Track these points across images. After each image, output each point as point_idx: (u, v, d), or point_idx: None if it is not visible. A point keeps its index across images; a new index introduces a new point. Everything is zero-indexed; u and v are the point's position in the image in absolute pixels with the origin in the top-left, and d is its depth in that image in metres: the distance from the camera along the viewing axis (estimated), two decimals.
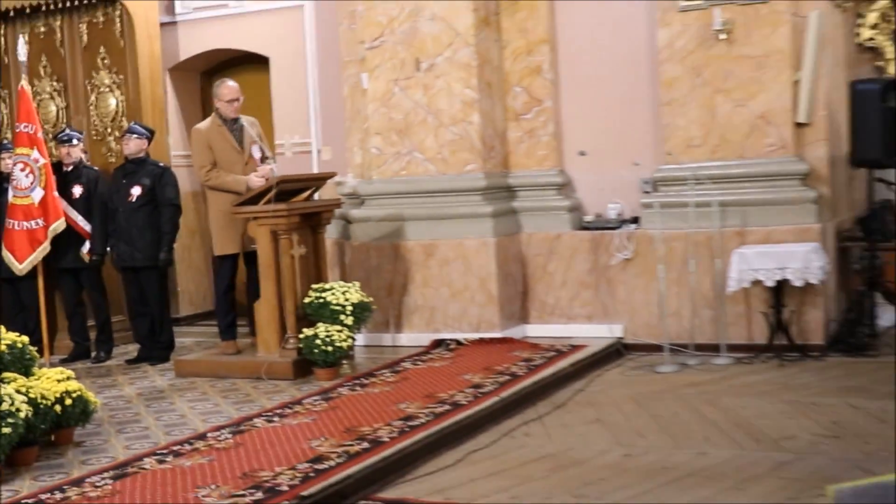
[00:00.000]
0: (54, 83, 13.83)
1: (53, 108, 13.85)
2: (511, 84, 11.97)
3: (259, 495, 6.51)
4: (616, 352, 11.06)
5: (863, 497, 3.82)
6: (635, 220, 11.52)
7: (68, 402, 7.95)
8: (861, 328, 10.68)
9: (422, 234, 11.64)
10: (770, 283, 10.46)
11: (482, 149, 11.59)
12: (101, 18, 13.35)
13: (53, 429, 7.98)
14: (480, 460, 7.70)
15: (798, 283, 10.39)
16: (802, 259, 10.34)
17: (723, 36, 10.89)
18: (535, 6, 11.82)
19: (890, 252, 11.46)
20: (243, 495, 6.51)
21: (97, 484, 6.90)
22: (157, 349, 11.68)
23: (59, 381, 8.03)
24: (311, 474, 6.93)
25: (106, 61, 13.39)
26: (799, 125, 10.91)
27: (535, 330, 11.65)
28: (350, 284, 10.47)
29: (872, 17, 13.14)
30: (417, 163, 11.75)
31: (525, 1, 11.84)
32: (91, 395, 8.30)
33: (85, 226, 11.79)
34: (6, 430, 7.01)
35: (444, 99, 11.62)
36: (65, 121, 13.68)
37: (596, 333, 11.36)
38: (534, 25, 11.85)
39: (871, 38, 13.17)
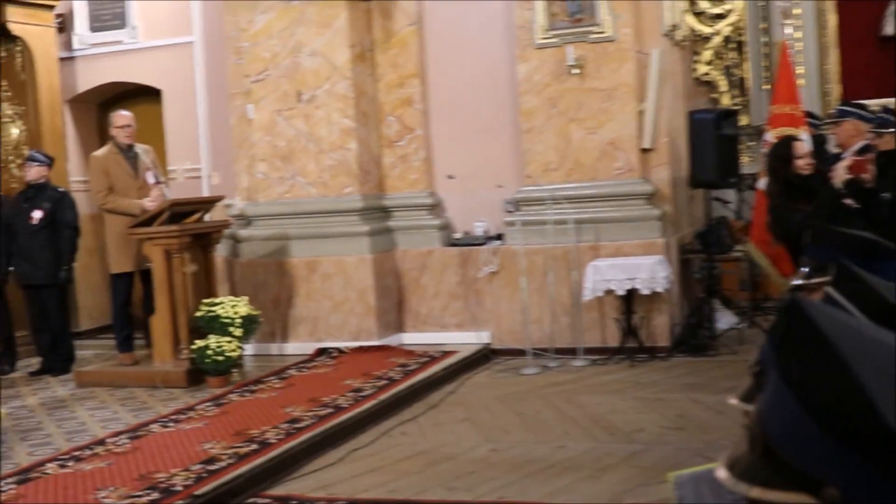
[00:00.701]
0: None
1: None
2: (385, 114, 12.02)
3: (155, 496, 6.49)
4: (484, 356, 11.15)
5: (699, 481, 3.92)
6: (499, 237, 11.64)
7: None
8: (701, 331, 10.91)
9: (305, 251, 11.63)
10: (621, 292, 10.65)
11: (359, 173, 11.62)
12: (3, 54, 13.11)
13: None
14: (361, 458, 7.74)
15: (646, 291, 10.60)
16: (649, 270, 10.55)
17: (575, 71, 11.07)
18: (406, 43, 11.90)
19: (726, 262, 11.75)
20: (140, 496, 6.49)
21: (2, 489, 6.81)
22: (58, 361, 11.49)
23: None
24: (204, 475, 6.92)
25: (8, 94, 13.15)
26: (644, 150, 11.13)
27: (410, 338, 11.70)
28: (239, 299, 10.43)
29: (707, 55, 13.48)
30: (300, 186, 11.74)
31: (397, 38, 11.90)
32: None
33: None
34: None
35: (324, 128, 11.64)
36: None
37: (465, 340, 11.44)
38: (405, 61, 11.92)
39: (707, 73, 13.51)
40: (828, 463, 1.14)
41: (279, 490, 7.05)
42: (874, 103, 9.30)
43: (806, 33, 13.42)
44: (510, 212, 11.52)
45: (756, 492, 1.21)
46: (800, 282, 3.88)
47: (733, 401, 2.35)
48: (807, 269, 3.95)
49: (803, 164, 6.48)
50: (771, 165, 6.93)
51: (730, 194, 12.23)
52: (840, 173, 6.26)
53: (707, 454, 6.97)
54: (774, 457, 1.20)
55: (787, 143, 6.87)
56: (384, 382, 9.64)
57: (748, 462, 1.24)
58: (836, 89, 13.44)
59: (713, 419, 8.19)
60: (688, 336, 10.92)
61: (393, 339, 11.60)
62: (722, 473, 1.27)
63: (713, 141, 10.82)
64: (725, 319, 11.35)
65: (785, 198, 6.57)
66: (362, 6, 11.80)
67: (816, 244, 3.97)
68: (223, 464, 7.17)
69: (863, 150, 8.29)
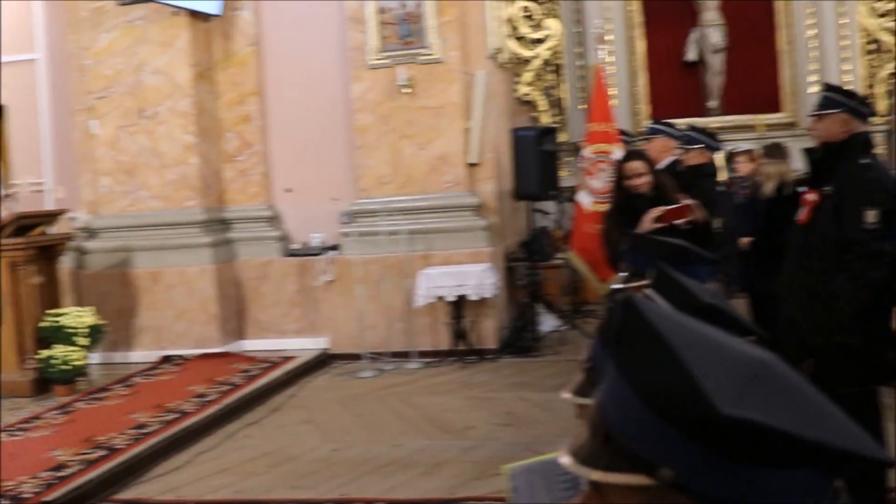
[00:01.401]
0: None
1: None
2: (225, 130, 11.89)
3: (5, 503, 6.28)
4: (322, 361, 11.11)
5: (532, 473, 4.00)
6: (335, 248, 11.62)
7: None
8: (526, 333, 11.08)
9: (148, 262, 11.43)
10: (451, 298, 10.74)
11: (201, 187, 11.47)
12: None
13: None
14: (207, 461, 7.64)
15: (474, 297, 10.71)
16: (477, 277, 10.67)
17: (406, 90, 11.14)
18: (245, 63, 11.80)
19: (548, 269, 11.96)
20: None
21: None
22: None
23: None
24: (54, 481, 6.74)
25: None
26: (471, 165, 11.25)
27: (251, 344, 11.59)
28: (84, 309, 10.17)
29: (528, 76, 13.72)
30: (143, 199, 11.53)
31: (237, 58, 11.80)
32: None
33: None
34: None
35: (166, 143, 11.46)
36: None
37: (304, 346, 11.38)
38: (244, 79, 11.82)
39: (528, 94, 13.75)
40: (662, 445, 1.18)
41: (128, 494, 6.91)
42: (681, 122, 9.57)
43: (618, 58, 13.76)
44: (345, 223, 11.52)
45: (597, 475, 1.25)
46: (619, 286, 3.99)
47: (566, 395, 2.42)
48: (625, 274, 4.06)
49: (635, 184, 6.50)
50: (612, 182, 7.00)
51: (550, 206, 12.44)
52: (646, 225, 6.29)
53: (535, 448, 7.06)
54: (614, 442, 1.23)
55: (622, 160, 6.91)
56: (227, 387, 9.53)
57: (590, 448, 1.27)
58: (645, 109, 13.82)
59: (539, 415, 8.32)
60: (514, 338, 11.07)
61: (235, 346, 11.48)
62: (566, 460, 1.30)
63: (534, 156, 11.01)
64: (548, 322, 11.54)
65: (613, 220, 6.59)
66: (203, 27, 11.66)
67: (632, 251, 4.09)
68: (72, 470, 6.99)
69: (672, 165, 8.55)
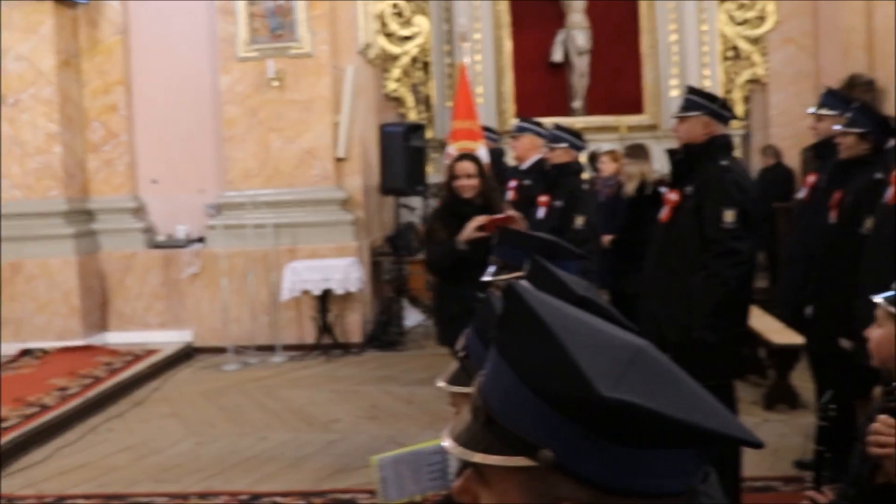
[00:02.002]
0: None
1: None
2: (90, 119, 11.65)
3: None
4: (187, 354, 10.98)
5: (399, 463, 4.04)
6: (201, 240, 11.50)
7: None
8: (392, 328, 11.12)
9: (9, 253, 11.12)
10: (317, 292, 10.73)
11: (64, 176, 11.22)
12: None
13: None
14: (69, 455, 7.50)
15: (340, 291, 10.72)
16: (343, 271, 10.67)
17: (275, 83, 11.08)
18: (112, 51, 11.58)
19: (413, 264, 12.01)
20: None
21: None
22: None
23: None
24: None
25: None
26: (339, 160, 11.25)
27: (114, 337, 11.37)
28: None
29: (396, 73, 13.75)
30: (4, 189, 11.22)
31: (103, 46, 11.57)
32: None
33: None
34: None
35: (28, 131, 11.17)
36: None
37: (169, 339, 11.22)
38: (111, 68, 11.60)
39: (396, 90, 13.77)
40: (543, 427, 1.21)
41: None
42: (547, 121, 9.70)
43: (485, 57, 13.89)
44: (211, 216, 11.41)
45: (478, 457, 1.27)
46: (489, 279, 4.04)
47: (441, 383, 2.46)
48: (494, 268, 4.11)
49: (462, 186, 6.47)
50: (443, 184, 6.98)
51: (416, 201, 12.51)
52: (468, 232, 6.29)
53: (400, 441, 7.11)
54: (495, 425, 1.25)
55: (454, 160, 6.90)
56: (90, 381, 9.35)
57: (471, 431, 1.30)
58: (511, 108, 13.97)
59: (404, 408, 8.37)
60: (379, 332, 11.11)
61: (97, 339, 11.26)
62: (447, 443, 1.33)
63: (402, 152, 11.06)
64: (413, 317, 11.60)
65: (437, 217, 6.57)
66: (69, 14, 11.40)
67: (502, 244, 4.14)
68: None
69: (538, 163, 8.68)
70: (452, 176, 6.49)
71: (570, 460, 1.21)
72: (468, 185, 6.44)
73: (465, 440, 1.29)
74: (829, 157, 6.32)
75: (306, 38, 11.09)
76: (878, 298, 3.47)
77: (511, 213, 6.44)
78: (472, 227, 6.25)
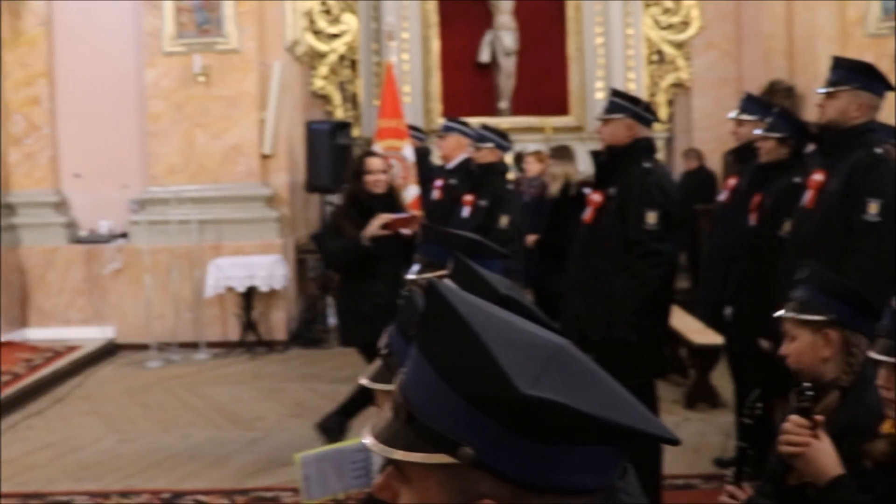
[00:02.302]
0: None
1: None
2: (12, 111, 11.45)
3: None
4: (109, 351, 10.85)
5: (323, 460, 4.04)
6: (124, 235, 11.37)
7: None
8: (316, 325, 11.09)
9: None
10: (241, 289, 10.68)
11: None
12: None
13: None
14: None
15: (265, 288, 10.67)
16: (268, 269, 10.63)
17: (201, 78, 11.00)
18: (34, 43, 11.40)
19: None
20: None
21: None
22: None
23: None
24: None
25: None
26: (265, 156, 11.20)
27: (35, 333, 11.19)
28: None
29: (323, 70, 13.70)
30: None
31: (25, 38, 11.39)
32: None
33: None
34: None
35: None
36: None
37: (91, 335, 11.08)
38: (34, 60, 11.42)
39: (323, 87, 13.72)
40: (464, 424, 1.22)
41: None
42: (473, 121, 9.73)
43: (412, 56, 13.87)
44: (135, 211, 11.29)
45: (399, 454, 1.28)
46: (413, 277, 4.05)
47: (364, 381, 2.46)
48: (418, 266, 4.12)
49: (373, 181, 6.55)
50: (345, 178, 7.01)
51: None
52: (372, 229, 6.40)
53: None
54: (416, 422, 1.27)
55: (361, 156, 6.97)
56: (8, 377, 9.19)
57: (392, 429, 1.31)
58: (438, 107, 13.98)
59: (328, 406, 8.26)
60: (303, 330, 11.07)
61: (17, 335, 11.07)
62: (368, 441, 1.33)
63: (328, 150, 11.02)
64: None
65: (342, 213, 6.63)
66: None
67: (426, 242, 4.16)
68: None
69: (464, 163, 8.70)
70: (362, 171, 6.57)
71: (490, 457, 1.23)
72: (379, 180, 6.55)
73: (386, 437, 1.30)
74: (750, 161, 6.42)
75: (233, 34, 11.02)
76: (781, 314, 3.55)
77: (414, 213, 6.54)
78: (375, 225, 6.36)
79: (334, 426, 6.70)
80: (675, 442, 1.27)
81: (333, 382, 9.10)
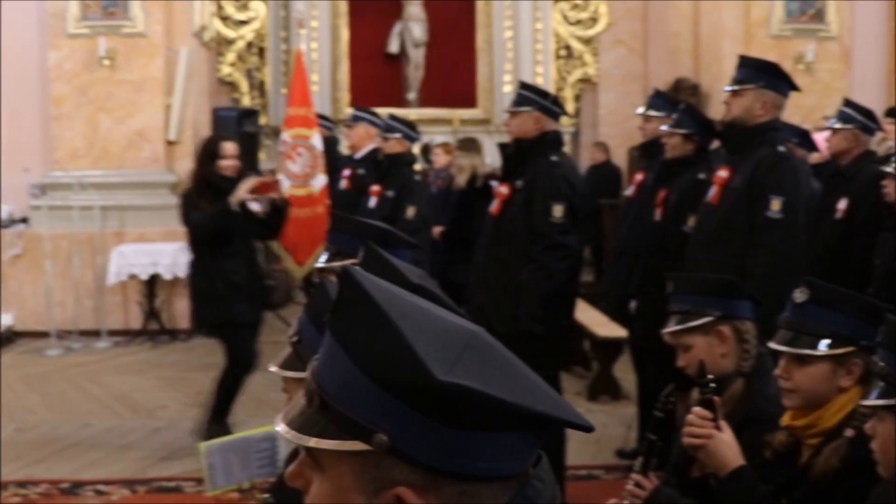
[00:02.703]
0: None
1: None
2: None
3: None
4: (7, 338, 10.60)
5: (227, 449, 4.00)
6: (25, 221, 11.14)
7: None
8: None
9: None
10: (144, 277, 10.53)
11: None
12: None
13: None
14: None
15: (168, 276, 10.54)
16: (172, 256, 10.49)
17: (106, 62, 10.81)
18: None
19: None
20: None
21: None
22: None
23: None
24: None
25: None
26: (170, 143, 11.05)
27: None
28: None
29: (231, 57, 13.57)
30: None
31: None
32: None
33: None
34: None
35: None
36: None
37: None
38: None
39: (230, 74, 13.60)
40: (378, 411, 1.22)
41: None
42: (382, 111, 9.71)
43: (321, 44, 13.81)
44: (36, 196, 11.07)
45: (313, 442, 1.27)
46: (322, 265, 4.04)
47: (273, 368, 2.44)
48: (327, 254, 4.11)
49: (226, 166, 6.62)
50: (196, 158, 7.03)
51: None
52: (240, 193, 6.46)
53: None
54: (330, 409, 1.26)
55: (215, 140, 7.01)
56: None
57: (305, 416, 1.30)
58: (346, 97, 13.94)
59: None
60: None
61: None
62: (281, 428, 1.32)
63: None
64: None
65: (195, 194, 6.67)
66: None
67: (335, 230, 4.14)
68: None
69: (372, 152, 8.68)
70: (216, 155, 6.65)
71: (404, 444, 1.22)
72: (233, 165, 6.67)
73: (298, 425, 1.29)
74: (656, 157, 6.50)
75: (140, 18, 10.84)
76: (668, 331, 3.63)
77: (276, 177, 6.71)
78: (244, 189, 6.48)
79: (215, 433, 6.69)
80: (587, 428, 1.28)
81: None
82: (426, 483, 1.23)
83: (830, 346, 2.99)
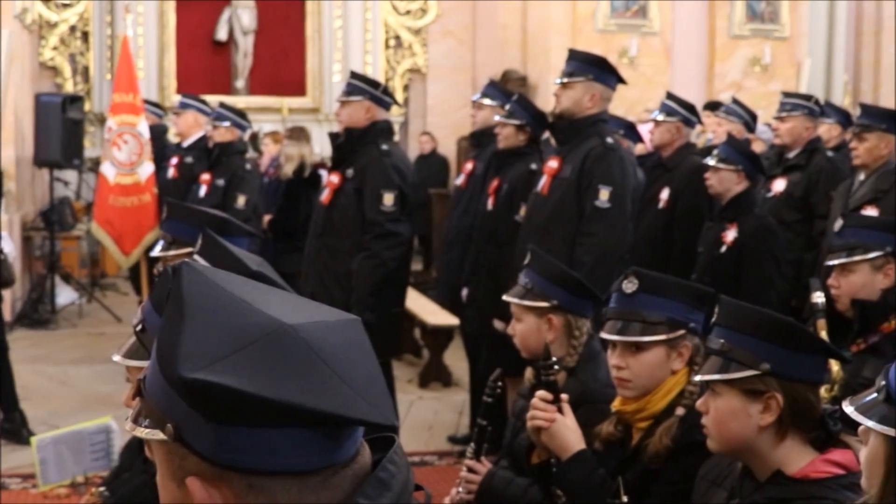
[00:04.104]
0: None
1: None
2: None
3: None
4: None
5: (59, 443, 3.91)
6: None
7: None
8: (43, 306, 10.66)
9: None
10: None
11: None
12: None
13: None
14: None
15: None
16: None
17: None
18: None
19: (67, 240, 11.59)
20: None
21: None
22: None
23: None
24: None
25: None
26: None
27: None
28: None
29: (54, 41, 13.18)
30: None
31: None
32: None
33: None
34: None
35: None
36: None
37: None
38: None
39: (52, 59, 13.21)
40: (165, 403, 1.25)
41: None
42: (210, 99, 9.56)
43: (148, 30, 13.50)
44: None
45: (130, 427, 1.34)
46: (159, 254, 3.96)
47: (117, 358, 2.39)
48: (163, 243, 4.03)
49: None
50: None
51: (72, 175, 12.05)
52: None
53: (52, 422, 6.83)
54: (144, 399, 1.31)
55: None
56: None
57: (136, 406, 1.34)
58: (173, 84, 13.68)
59: (56, 389, 8.07)
60: (29, 310, 10.61)
61: None
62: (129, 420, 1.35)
63: (58, 124, 10.61)
64: (66, 295, 11.16)
65: None
66: None
67: (171, 219, 4.06)
68: None
69: (201, 140, 8.55)
70: None
71: (187, 436, 1.25)
72: None
73: (133, 414, 1.34)
74: (486, 146, 6.58)
75: None
76: (507, 297, 3.71)
77: None
78: None
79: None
80: (389, 427, 1.29)
81: (62, 364, 8.80)
82: (214, 474, 1.26)
83: (664, 331, 3.08)
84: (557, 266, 3.70)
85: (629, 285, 3.11)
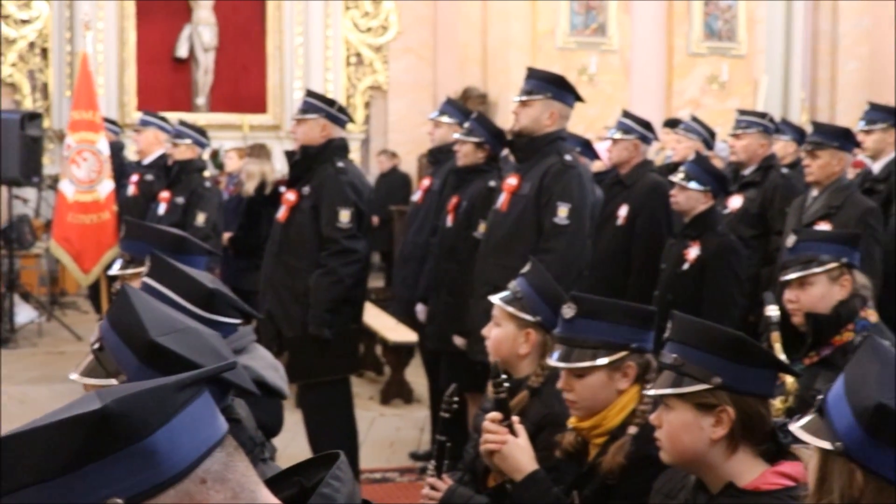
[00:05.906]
0: None
1: None
2: None
3: None
4: None
5: None
6: None
7: None
8: (2, 324, 10.57)
9: None
10: None
11: None
12: None
13: None
14: None
15: None
16: None
17: None
18: None
19: (26, 258, 11.51)
20: None
21: None
22: None
23: None
24: None
25: None
26: None
27: None
28: None
29: (12, 57, 13.11)
30: None
31: None
32: None
33: None
34: None
35: None
36: None
37: None
38: None
39: (11, 75, 13.14)
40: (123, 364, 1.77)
41: None
42: (170, 116, 9.54)
43: (108, 47, 13.47)
44: None
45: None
46: (116, 273, 3.96)
47: (74, 376, 2.39)
48: (121, 262, 4.03)
49: None
50: None
51: (31, 193, 11.97)
52: None
53: None
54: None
55: None
56: None
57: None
58: (133, 101, 13.64)
59: (16, 408, 7.98)
60: None
61: None
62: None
63: (17, 141, 10.52)
64: (25, 313, 11.07)
65: None
66: None
67: (128, 237, 4.06)
68: None
69: (161, 158, 8.52)
70: None
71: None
72: None
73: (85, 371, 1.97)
74: (444, 163, 6.62)
75: None
76: (494, 299, 3.69)
77: None
78: None
79: None
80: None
81: (21, 384, 8.71)
82: None
83: (603, 355, 3.12)
84: (553, 286, 3.67)
85: (568, 311, 3.14)
